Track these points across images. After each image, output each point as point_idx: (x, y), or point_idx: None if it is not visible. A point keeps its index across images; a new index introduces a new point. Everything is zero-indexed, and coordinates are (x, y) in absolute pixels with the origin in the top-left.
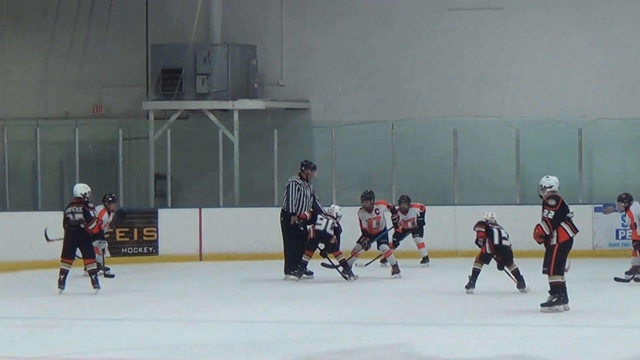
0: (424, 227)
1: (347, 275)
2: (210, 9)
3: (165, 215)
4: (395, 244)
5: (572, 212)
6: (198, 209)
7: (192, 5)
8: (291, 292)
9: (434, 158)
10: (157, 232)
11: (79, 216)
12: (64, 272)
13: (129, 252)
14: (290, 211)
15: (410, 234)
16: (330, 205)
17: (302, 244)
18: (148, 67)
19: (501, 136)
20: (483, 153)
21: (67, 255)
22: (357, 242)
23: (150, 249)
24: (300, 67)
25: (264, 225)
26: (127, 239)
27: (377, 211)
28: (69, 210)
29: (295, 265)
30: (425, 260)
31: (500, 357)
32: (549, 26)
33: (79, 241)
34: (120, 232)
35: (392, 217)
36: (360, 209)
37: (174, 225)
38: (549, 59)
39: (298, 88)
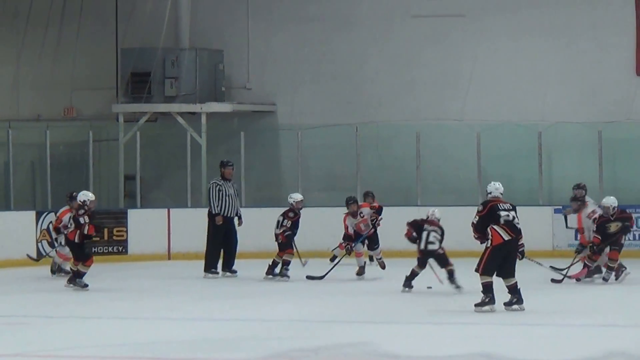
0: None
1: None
2: (178, 14)
3: (135, 216)
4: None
5: (511, 216)
6: (167, 209)
7: (161, 10)
8: (258, 291)
9: (398, 160)
10: (126, 231)
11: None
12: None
13: (99, 251)
14: (214, 212)
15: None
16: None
17: (226, 243)
18: (118, 70)
19: (462, 139)
20: (445, 156)
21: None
22: (341, 246)
23: (120, 248)
24: (266, 71)
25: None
26: (98, 239)
27: (362, 214)
28: None
29: (214, 264)
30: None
31: (465, 355)
32: (509, 32)
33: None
34: None
35: (372, 218)
36: (346, 214)
37: (143, 225)
38: (508, 64)
39: (264, 91)
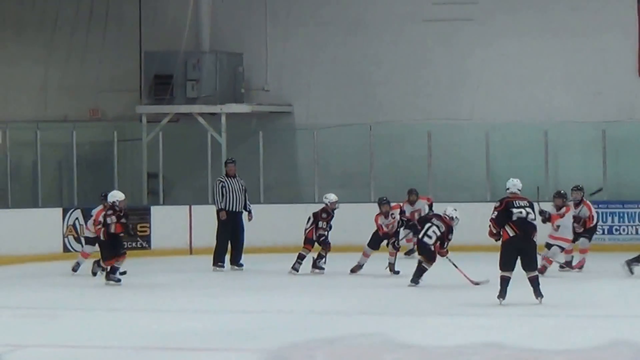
0: None
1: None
2: (199, 19)
3: (158, 212)
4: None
5: (524, 212)
6: (188, 206)
7: (182, 15)
8: (274, 284)
9: (410, 159)
10: (149, 227)
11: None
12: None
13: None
14: (217, 208)
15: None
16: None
17: (233, 238)
18: (141, 73)
19: (472, 138)
20: (455, 154)
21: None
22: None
23: (143, 243)
24: (283, 73)
25: (249, 221)
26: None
27: (393, 215)
28: None
29: (221, 258)
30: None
31: (474, 345)
32: (515, 35)
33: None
34: None
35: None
36: (378, 215)
37: (166, 221)
38: (516, 65)
39: (282, 93)
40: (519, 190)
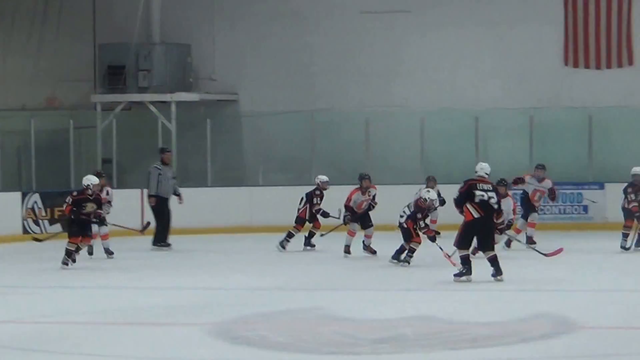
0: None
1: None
2: (150, 11)
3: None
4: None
5: (487, 196)
6: (140, 190)
7: (134, 8)
8: (218, 262)
9: (349, 144)
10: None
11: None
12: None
13: None
14: (150, 193)
15: None
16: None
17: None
18: (95, 64)
19: (407, 124)
20: (391, 139)
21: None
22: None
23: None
24: (230, 63)
25: (198, 203)
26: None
27: (369, 193)
28: None
29: (162, 239)
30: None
31: (405, 318)
32: (449, 26)
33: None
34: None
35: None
36: (357, 189)
37: (119, 204)
38: (448, 55)
39: (228, 82)
40: (486, 174)
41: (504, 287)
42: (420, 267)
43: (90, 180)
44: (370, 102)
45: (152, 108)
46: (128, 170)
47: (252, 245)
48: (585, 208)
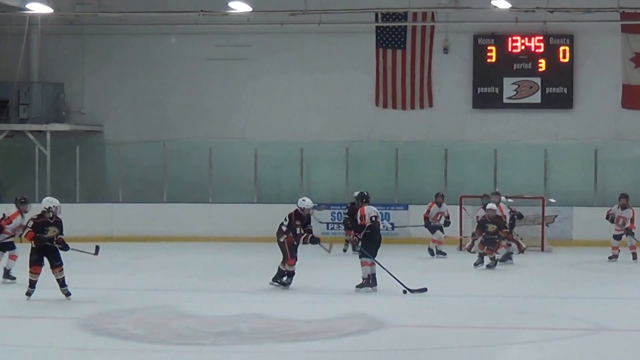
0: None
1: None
2: (30, 54)
3: None
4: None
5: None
6: None
7: (16, 52)
8: (89, 266)
9: (195, 169)
10: None
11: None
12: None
13: None
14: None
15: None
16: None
17: None
18: None
19: (244, 153)
20: (231, 165)
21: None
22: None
23: None
24: (96, 99)
25: (69, 217)
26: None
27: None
28: None
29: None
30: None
31: (245, 315)
32: (280, 71)
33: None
34: None
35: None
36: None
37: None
38: (279, 95)
39: (95, 115)
40: (306, 207)
41: (330, 289)
42: (258, 272)
43: (52, 202)
44: (213, 134)
45: (30, 136)
46: (9, 189)
47: (115, 253)
48: (393, 225)
